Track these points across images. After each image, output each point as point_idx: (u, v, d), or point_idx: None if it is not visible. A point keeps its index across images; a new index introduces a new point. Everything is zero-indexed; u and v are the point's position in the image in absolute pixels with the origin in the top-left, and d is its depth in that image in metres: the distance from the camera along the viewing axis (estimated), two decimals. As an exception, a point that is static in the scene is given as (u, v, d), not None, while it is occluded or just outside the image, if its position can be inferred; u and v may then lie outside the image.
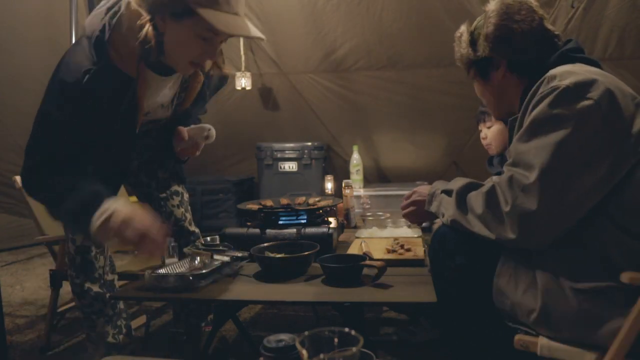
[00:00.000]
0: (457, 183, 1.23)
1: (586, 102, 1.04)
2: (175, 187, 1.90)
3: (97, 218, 1.24)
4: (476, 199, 1.14)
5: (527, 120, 1.10)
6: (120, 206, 1.27)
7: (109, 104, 1.37)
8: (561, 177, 1.03)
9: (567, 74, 1.09)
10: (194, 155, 1.72)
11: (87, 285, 1.65)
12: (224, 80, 1.78)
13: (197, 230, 1.95)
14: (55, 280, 2.18)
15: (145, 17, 1.28)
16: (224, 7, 1.26)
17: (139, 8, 1.29)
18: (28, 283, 3.24)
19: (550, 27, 1.26)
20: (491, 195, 1.10)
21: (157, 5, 1.27)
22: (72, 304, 2.45)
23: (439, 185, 1.31)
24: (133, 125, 1.45)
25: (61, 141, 1.35)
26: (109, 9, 1.37)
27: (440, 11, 3.11)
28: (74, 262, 1.65)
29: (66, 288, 2.73)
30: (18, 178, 2.16)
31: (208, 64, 1.54)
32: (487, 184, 1.17)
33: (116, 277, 1.76)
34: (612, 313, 1.01)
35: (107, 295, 1.67)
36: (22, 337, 2.31)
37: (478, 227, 1.12)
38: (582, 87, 1.05)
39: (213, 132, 1.69)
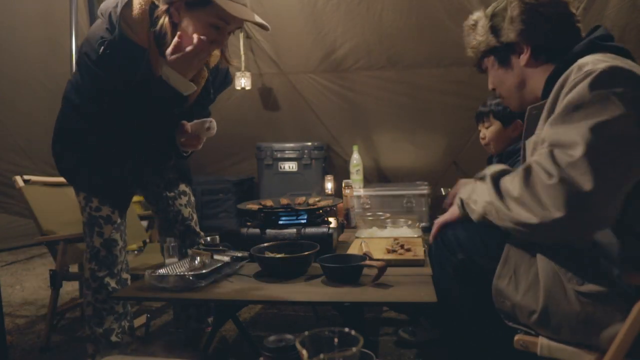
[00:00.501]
0: (491, 169, 1.15)
1: (625, 86, 0.98)
2: (183, 187, 1.94)
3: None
4: (512, 181, 1.05)
5: (560, 106, 1.03)
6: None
7: (126, 73, 1.45)
8: (609, 155, 0.94)
9: (599, 61, 1.03)
10: (196, 149, 1.71)
11: (107, 279, 1.68)
12: (229, 78, 1.82)
13: (202, 233, 1.97)
14: (55, 280, 2.17)
15: (162, 7, 1.41)
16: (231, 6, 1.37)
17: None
18: (28, 283, 3.24)
19: (574, 11, 1.21)
20: (528, 173, 1.01)
21: None
22: (72, 303, 2.45)
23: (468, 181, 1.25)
24: (151, 101, 1.50)
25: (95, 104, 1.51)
26: None
27: (440, 11, 3.11)
28: (97, 255, 1.68)
29: (66, 288, 2.74)
30: (18, 178, 2.17)
31: (215, 58, 1.65)
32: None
33: (129, 277, 1.77)
34: (614, 318, 1.00)
35: (92, 298, 1.67)
36: (22, 337, 2.31)
37: (517, 211, 1.01)
38: (619, 72, 1.00)
39: (214, 123, 1.67)
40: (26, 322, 2.52)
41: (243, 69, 3.52)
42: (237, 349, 2.13)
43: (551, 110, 1.08)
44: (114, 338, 1.68)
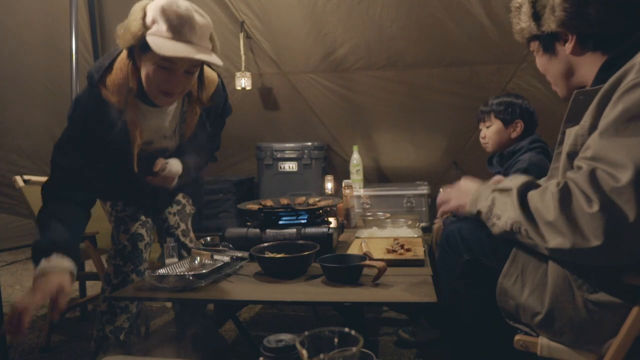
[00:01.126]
0: (516, 181, 1.06)
1: None
2: (179, 197, 1.94)
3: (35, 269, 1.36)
4: (543, 200, 0.96)
5: (614, 111, 0.93)
6: (42, 272, 1.34)
7: (100, 131, 1.51)
8: None
9: None
10: (167, 185, 1.69)
11: (132, 276, 1.70)
12: (227, 110, 1.85)
13: (191, 245, 1.89)
14: (55, 280, 2.17)
15: (125, 55, 1.48)
16: (175, 37, 1.37)
17: (125, 49, 1.47)
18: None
19: None
20: (566, 195, 0.92)
21: (128, 44, 1.42)
22: (72, 303, 2.45)
23: (487, 185, 1.16)
24: (130, 151, 1.56)
25: (71, 163, 1.54)
26: (109, 54, 1.54)
27: (440, 11, 3.11)
28: (123, 251, 1.71)
29: (66, 288, 2.74)
30: (18, 178, 2.17)
31: (209, 91, 1.66)
32: (547, 183, 1.01)
33: None
34: (618, 328, 0.99)
35: (110, 294, 1.67)
36: (22, 337, 2.31)
37: (550, 237, 0.95)
38: None
39: (170, 167, 1.64)
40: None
41: (243, 69, 3.53)
42: (237, 349, 2.13)
43: (602, 104, 0.97)
44: (122, 337, 1.68)
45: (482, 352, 1.26)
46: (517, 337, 1.13)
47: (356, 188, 3.27)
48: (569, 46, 1.11)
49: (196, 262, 1.61)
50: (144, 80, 1.47)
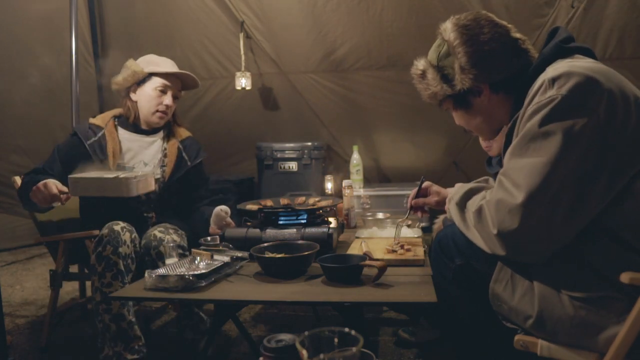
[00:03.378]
0: (458, 193, 1.22)
1: (582, 117, 0.99)
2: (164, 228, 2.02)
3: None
4: (469, 215, 1.15)
5: (522, 131, 1.06)
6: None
7: (83, 147, 2.00)
8: (549, 199, 1.00)
9: (566, 76, 1.03)
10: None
11: (114, 258, 1.74)
12: (201, 151, 2.24)
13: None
14: (55, 280, 2.17)
15: (124, 94, 2.09)
16: (167, 67, 2.10)
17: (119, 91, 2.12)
18: (28, 283, 3.24)
19: (517, 35, 1.22)
20: (480, 215, 1.11)
21: (129, 84, 2.06)
22: (72, 303, 2.45)
23: (457, 189, 1.28)
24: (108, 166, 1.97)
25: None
26: None
27: (440, 11, 3.11)
28: (102, 239, 1.76)
29: (66, 288, 2.74)
30: (17, 178, 2.16)
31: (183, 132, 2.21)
32: (486, 188, 1.17)
33: None
34: (608, 321, 1.01)
35: (109, 294, 1.68)
36: (22, 337, 2.31)
37: (477, 240, 1.13)
38: (580, 96, 1.00)
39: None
40: (26, 322, 2.52)
41: (243, 69, 3.53)
42: (237, 349, 2.13)
43: (518, 130, 1.10)
44: (124, 325, 1.73)
45: (482, 352, 1.26)
46: (517, 337, 1.14)
47: (356, 188, 3.27)
48: (484, 97, 1.22)
49: (196, 262, 1.61)
50: (143, 105, 2.05)
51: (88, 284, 2.59)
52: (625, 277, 0.98)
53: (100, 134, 2.02)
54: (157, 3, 3.63)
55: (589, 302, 1.02)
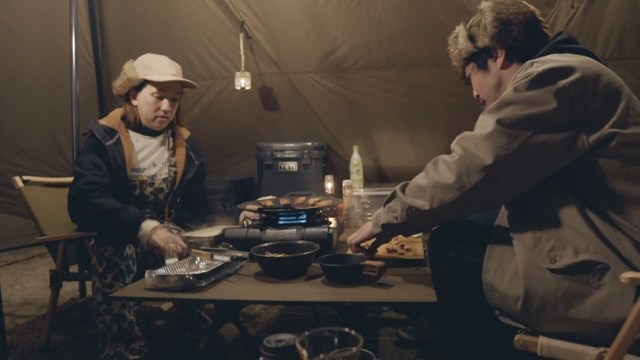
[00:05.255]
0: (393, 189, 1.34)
1: (554, 87, 1.07)
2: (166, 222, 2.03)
3: (140, 236, 1.74)
4: (422, 175, 1.25)
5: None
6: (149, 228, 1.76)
7: (104, 150, 1.93)
8: (514, 139, 1.09)
9: (547, 61, 1.13)
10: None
11: (116, 259, 1.74)
12: (202, 152, 2.26)
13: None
14: (55, 280, 2.17)
15: (124, 99, 2.03)
16: (164, 73, 1.99)
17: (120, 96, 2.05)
18: (28, 283, 3.24)
19: (542, 19, 1.34)
20: (436, 162, 1.21)
21: (126, 90, 2.01)
22: (72, 303, 2.45)
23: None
24: (125, 171, 1.95)
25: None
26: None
27: (440, 11, 3.12)
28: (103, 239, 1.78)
29: (66, 288, 2.74)
30: (17, 178, 2.17)
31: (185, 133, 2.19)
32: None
33: None
34: (589, 287, 1.03)
35: (109, 294, 1.68)
36: (22, 337, 2.31)
37: (443, 176, 1.18)
38: (554, 74, 1.09)
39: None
40: (26, 322, 2.52)
41: (243, 68, 3.53)
42: (237, 349, 2.13)
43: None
44: (125, 325, 1.73)
45: (482, 352, 1.26)
46: (517, 337, 1.13)
47: (356, 188, 3.27)
48: (499, 60, 1.34)
49: (196, 262, 1.61)
50: (142, 109, 2.00)
51: (88, 284, 2.59)
52: (625, 278, 0.98)
53: (115, 138, 1.96)
54: (157, 3, 3.63)
55: (568, 272, 1.04)
